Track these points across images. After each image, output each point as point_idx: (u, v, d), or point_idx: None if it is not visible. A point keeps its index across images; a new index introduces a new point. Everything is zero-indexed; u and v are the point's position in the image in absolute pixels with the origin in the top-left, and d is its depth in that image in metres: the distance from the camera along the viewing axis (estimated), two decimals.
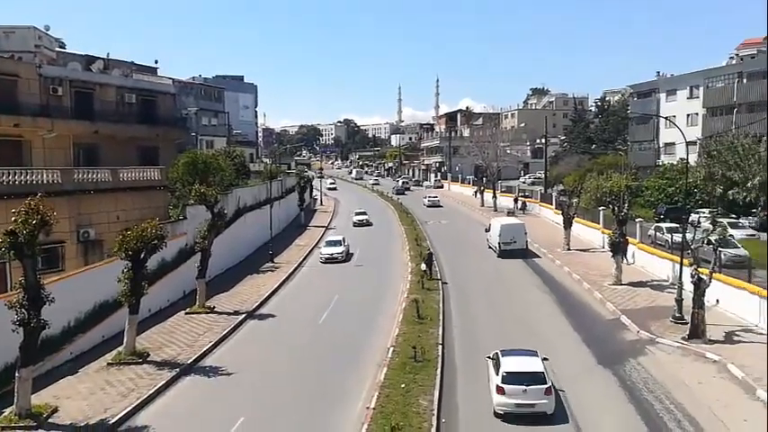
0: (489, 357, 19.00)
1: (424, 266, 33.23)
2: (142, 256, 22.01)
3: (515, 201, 62.90)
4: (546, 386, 16.74)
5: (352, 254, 42.35)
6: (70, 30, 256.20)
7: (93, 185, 29.48)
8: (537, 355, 18.04)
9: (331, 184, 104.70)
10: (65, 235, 27.22)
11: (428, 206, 69.58)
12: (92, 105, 36.47)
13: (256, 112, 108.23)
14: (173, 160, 39.53)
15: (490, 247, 42.43)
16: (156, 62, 62.22)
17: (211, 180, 36.83)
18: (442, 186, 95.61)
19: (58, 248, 27.39)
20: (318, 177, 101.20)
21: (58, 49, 57.50)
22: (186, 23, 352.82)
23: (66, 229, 27.29)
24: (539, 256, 39.49)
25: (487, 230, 44.19)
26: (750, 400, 17.37)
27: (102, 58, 50.18)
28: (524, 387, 16.62)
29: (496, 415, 16.93)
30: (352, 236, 50.75)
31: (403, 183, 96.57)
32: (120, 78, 41.65)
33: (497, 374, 17.28)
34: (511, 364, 17.38)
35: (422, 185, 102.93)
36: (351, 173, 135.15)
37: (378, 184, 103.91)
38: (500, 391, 16.82)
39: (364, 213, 59.73)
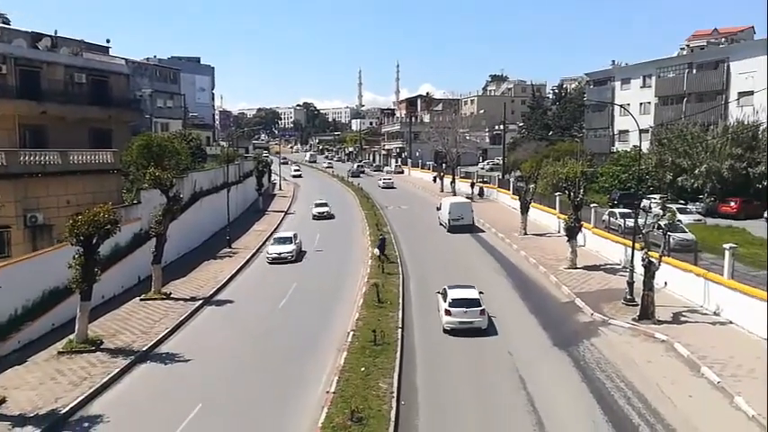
0: (439, 292, 24.58)
1: (377, 251, 33.57)
2: (94, 241, 21.33)
3: (472, 186, 63.67)
4: (480, 308, 22.48)
5: (305, 252, 37.91)
6: (15, 6, 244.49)
7: (40, 168, 28.32)
8: (474, 288, 23.67)
9: (295, 170, 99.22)
10: (10, 219, 26.14)
11: (383, 188, 73.87)
12: (39, 85, 34.99)
13: (213, 94, 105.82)
14: (126, 143, 38.32)
15: (441, 224, 45.43)
16: (108, 41, 59.78)
17: (167, 164, 35.87)
18: (402, 172, 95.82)
19: (3, 233, 26.31)
20: (282, 163, 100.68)
21: (1, 25, 54.71)
22: (139, 1, 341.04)
23: (12, 214, 26.20)
24: (483, 231, 43.41)
25: (439, 209, 47.59)
26: (695, 376, 18.14)
27: (50, 36, 47.89)
28: (465, 309, 22.30)
29: (445, 331, 22.51)
30: (313, 221, 50.52)
31: (358, 166, 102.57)
32: (70, 57, 39.95)
33: (445, 302, 22.81)
34: (455, 293, 23.00)
35: (382, 170, 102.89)
36: (306, 156, 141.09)
37: (331, 166, 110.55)
38: (447, 313, 22.46)
39: (325, 205, 53.72)
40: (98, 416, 16.66)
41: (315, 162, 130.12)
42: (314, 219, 51.31)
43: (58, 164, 29.23)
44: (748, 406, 15.68)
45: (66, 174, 29.48)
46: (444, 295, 23.54)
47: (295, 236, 38.05)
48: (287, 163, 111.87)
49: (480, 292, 23.35)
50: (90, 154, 31.68)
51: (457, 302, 22.48)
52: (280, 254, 35.94)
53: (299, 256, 36.73)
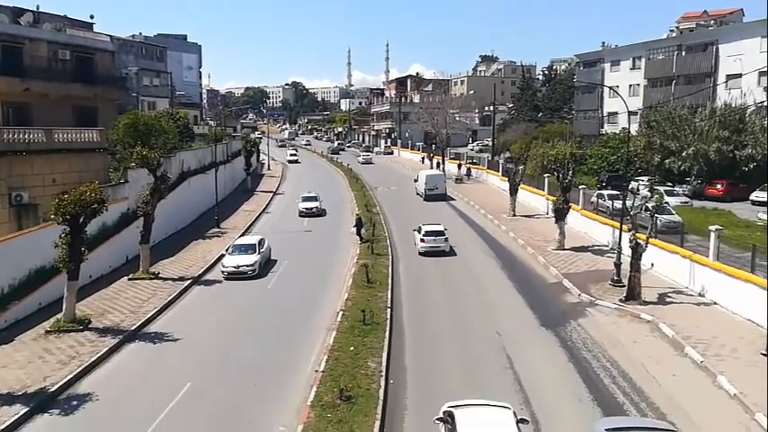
0: (415, 229, 33.53)
1: (353, 230, 33.94)
2: (81, 220, 21.10)
3: (459, 167, 63.70)
4: (444, 237, 31.59)
5: (275, 261, 30.80)
6: None
7: (24, 146, 27.90)
8: (441, 225, 32.85)
9: (292, 155, 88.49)
10: None
11: (362, 163, 79.46)
12: (21, 61, 34.34)
13: (200, 72, 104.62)
14: (112, 122, 37.87)
15: (418, 194, 51.07)
16: (92, 17, 58.79)
17: (154, 143, 35.52)
18: (392, 153, 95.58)
19: None
20: (279, 146, 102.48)
21: None
22: None
23: None
24: (454, 199, 49.31)
25: (416, 180, 52.76)
26: (679, 356, 18.43)
27: (32, 11, 46.91)
28: (434, 238, 31.37)
29: (420, 253, 31.43)
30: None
31: (338, 144, 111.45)
32: (53, 33, 39.17)
33: (420, 234, 32.07)
34: (427, 228, 32.16)
35: (371, 151, 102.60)
36: (285, 135, 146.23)
37: (309, 144, 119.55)
38: (422, 240, 31.62)
39: (315, 199, 44.70)
40: (87, 394, 16.65)
41: (293, 140, 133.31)
42: (300, 216, 42.96)
43: (42, 142, 28.81)
44: (730, 385, 15.99)
45: (51, 152, 29.08)
46: (419, 230, 32.40)
47: (260, 242, 30.04)
48: (284, 146, 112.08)
49: (445, 229, 32.38)
50: (75, 132, 31.25)
51: (428, 233, 31.72)
52: (237, 267, 27.81)
53: (262, 269, 28.80)
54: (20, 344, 19.93)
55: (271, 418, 15.28)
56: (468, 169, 62.55)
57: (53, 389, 16.59)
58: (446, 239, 31.55)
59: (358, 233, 33.88)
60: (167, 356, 19.47)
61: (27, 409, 15.45)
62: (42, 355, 18.95)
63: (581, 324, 21.48)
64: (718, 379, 16.51)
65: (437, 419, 12.97)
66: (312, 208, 43.70)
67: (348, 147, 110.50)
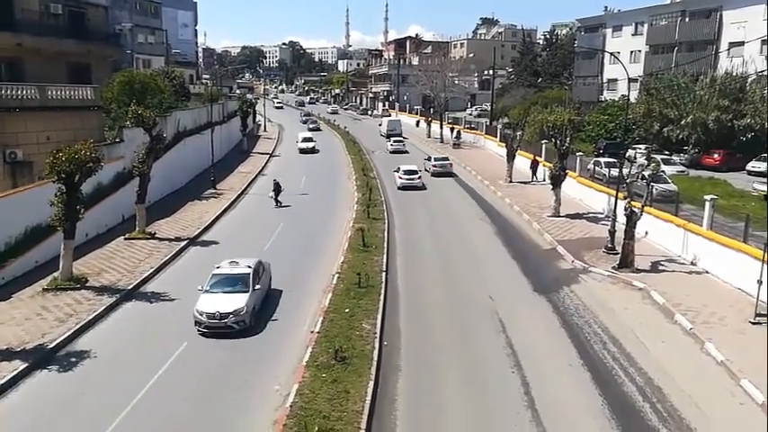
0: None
1: (271, 194, 34.98)
2: (76, 179, 20.98)
3: (451, 131, 63.47)
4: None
5: (305, 245, 27.29)
6: None
7: (17, 103, 27.55)
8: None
9: (306, 141, 74.20)
10: None
11: (330, 113, 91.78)
12: (12, 14, 33.48)
13: (196, 30, 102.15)
14: (107, 79, 37.32)
15: (381, 135, 65.67)
16: None
17: (149, 101, 35.16)
18: (389, 116, 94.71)
19: None
20: (277, 107, 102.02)
21: None
22: None
23: None
24: (407, 138, 61.30)
25: (380, 125, 69.54)
26: (668, 323, 18.75)
27: None
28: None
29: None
30: (300, 159, 50.15)
31: (310, 99, 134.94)
32: None
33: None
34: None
35: (369, 114, 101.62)
36: (276, 97, 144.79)
37: (303, 104, 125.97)
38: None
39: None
40: (85, 351, 16.88)
41: (276, 98, 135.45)
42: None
43: (35, 99, 28.44)
44: (717, 351, 16.31)
45: (45, 109, 28.74)
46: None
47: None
48: (282, 107, 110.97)
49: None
50: (69, 89, 30.82)
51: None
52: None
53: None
54: (17, 301, 20.07)
55: (266, 377, 15.55)
56: (458, 132, 62.14)
57: (52, 345, 16.80)
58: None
59: (276, 197, 34.93)
60: (164, 315, 19.67)
61: (26, 364, 15.68)
62: (40, 312, 19.12)
63: (574, 290, 21.74)
64: (706, 346, 16.84)
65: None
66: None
67: (345, 109, 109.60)
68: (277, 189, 35.26)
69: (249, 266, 19.71)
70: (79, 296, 20.50)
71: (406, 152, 56.70)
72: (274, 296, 21.06)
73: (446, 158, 46.77)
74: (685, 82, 46.96)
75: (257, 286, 19.22)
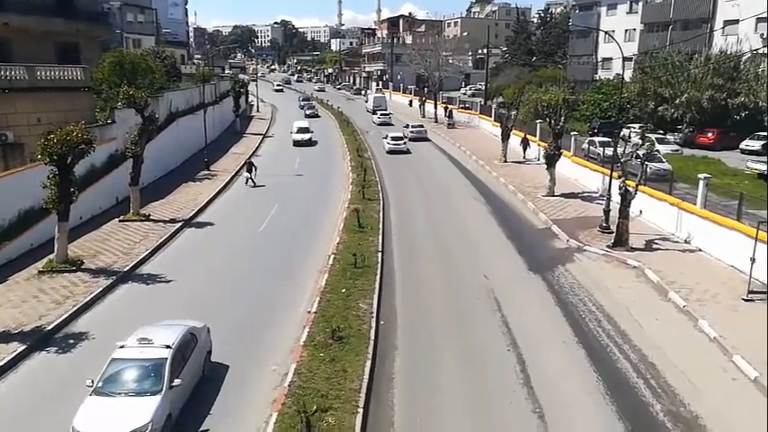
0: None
1: (246, 174, 35.83)
2: (69, 161, 20.81)
3: (445, 110, 63.34)
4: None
5: (302, 226, 27.22)
6: None
7: (6, 83, 27.23)
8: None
9: (301, 132, 54.53)
10: None
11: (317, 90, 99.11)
12: None
13: (186, 10, 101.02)
14: (97, 60, 36.84)
15: (367, 111, 70.09)
16: None
17: (140, 82, 34.77)
18: (383, 96, 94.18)
19: None
20: (277, 90, 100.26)
21: None
22: None
23: None
24: (392, 113, 64.95)
25: (366, 101, 75.86)
26: (662, 301, 18.94)
27: None
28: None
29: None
30: (293, 147, 49.92)
31: (297, 78, 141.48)
32: None
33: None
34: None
35: (362, 94, 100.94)
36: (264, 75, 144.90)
37: (289, 82, 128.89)
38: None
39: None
40: (83, 333, 16.90)
41: (263, 76, 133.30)
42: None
43: (24, 79, 28.13)
44: (710, 328, 16.52)
45: (34, 90, 28.44)
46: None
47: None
48: (282, 90, 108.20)
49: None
50: (58, 70, 30.46)
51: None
52: None
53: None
54: (13, 284, 20.02)
55: (263, 357, 15.63)
56: (450, 111, 62.01)
57: (49, 327, 16.81)
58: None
59: (251, 178, 35.58)
60: (160, 297, 19.68)
61: (24, 346, 15.69)
62: (36, 294, 19.09)
63: (568, 269, 21.88)
64: (699, 323, 17.05)
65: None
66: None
67: (338, 89, 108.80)
68: (250, 169, 35.66)
69: (168, 346, 12.88)
70: (75, 278, 20.46)
71: (392, 124, 61.35)
72: (269, 276, 21.08)
73: (421, 126, 53.91)
74: (680, 60, 46.84)
75: (176, 381, 12.32)
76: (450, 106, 64.36)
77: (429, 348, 16.26)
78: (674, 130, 44.96)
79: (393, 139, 46.40)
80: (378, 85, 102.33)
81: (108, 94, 34.21)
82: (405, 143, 46.47)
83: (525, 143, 41.76)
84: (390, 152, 45.29)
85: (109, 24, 46.39)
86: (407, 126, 53.51)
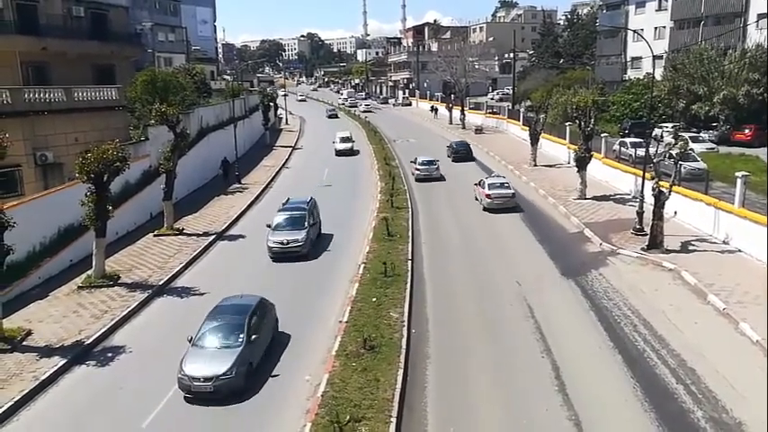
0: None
1: (220, 171, 38.54)
2: (105, 178, 21.42)
3: (461, 114, 64.06)
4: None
5: (330, 235, 27.16)
6: None
7: (46, 105, 28.12)
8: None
9: (344, 141, 53.55)
10: (21, 158, 26.22)
11: (348, 106, 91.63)
12: (37, 19, 34.10)
13: (215, 26, 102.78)
14: (130, 79, 37.81)
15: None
16: None
17: (172, 99, 35.47)
18: (410, 104, 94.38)
19: (15, 172, 26.43)
20: (300, 101, 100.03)
21: None
22: None
23: (22, 152, 26.25)
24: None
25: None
26: (701, 304, 18.43)
27: None
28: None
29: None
30: (321, 156, 50.31)
31: (317, 86, 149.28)
32: None
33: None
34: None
35: (389, 103, 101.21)
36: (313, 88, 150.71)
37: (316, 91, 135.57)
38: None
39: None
40: (121, 346, 17.31)
41: (283, 87, 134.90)
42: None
43: (62, 101, 28.99)
44: (753, 331, 16.00)
45: (71, 111, 29.28)
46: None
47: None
48: (305, 100, 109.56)
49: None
50: (94, 90, 31.34)
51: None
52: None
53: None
54: (54, 299, 20.64)
55: (296, 368, 15.72)
56: (464, 113, 63.11)
57: (88, 341, 17.27)
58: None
59: (225, 176, 38.80)
60: (194, 310, 19.83)
61: (65, 360, 16.15)
62: (76, 309, 19.63)
63: (602, 273, 21.49)
64: (741, 326, 16.53)
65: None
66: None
67: (363, 99, 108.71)
68: (225, 167, 36.46)
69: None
70: (112, 293, 20.98)
71: (373, 111, 66.90)
72: (302, 287, 21.24)
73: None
74: (714, 55, 45.65)
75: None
76: (465, 109, 64.67)
77: (461, 356, 16.14)
78: (708, 128, 43.84)
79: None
80: (404, 93, 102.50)
81: (141, 112, 35.08)
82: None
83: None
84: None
85: (141, 44, 47.66)
86: (450, 146, 46.31)
